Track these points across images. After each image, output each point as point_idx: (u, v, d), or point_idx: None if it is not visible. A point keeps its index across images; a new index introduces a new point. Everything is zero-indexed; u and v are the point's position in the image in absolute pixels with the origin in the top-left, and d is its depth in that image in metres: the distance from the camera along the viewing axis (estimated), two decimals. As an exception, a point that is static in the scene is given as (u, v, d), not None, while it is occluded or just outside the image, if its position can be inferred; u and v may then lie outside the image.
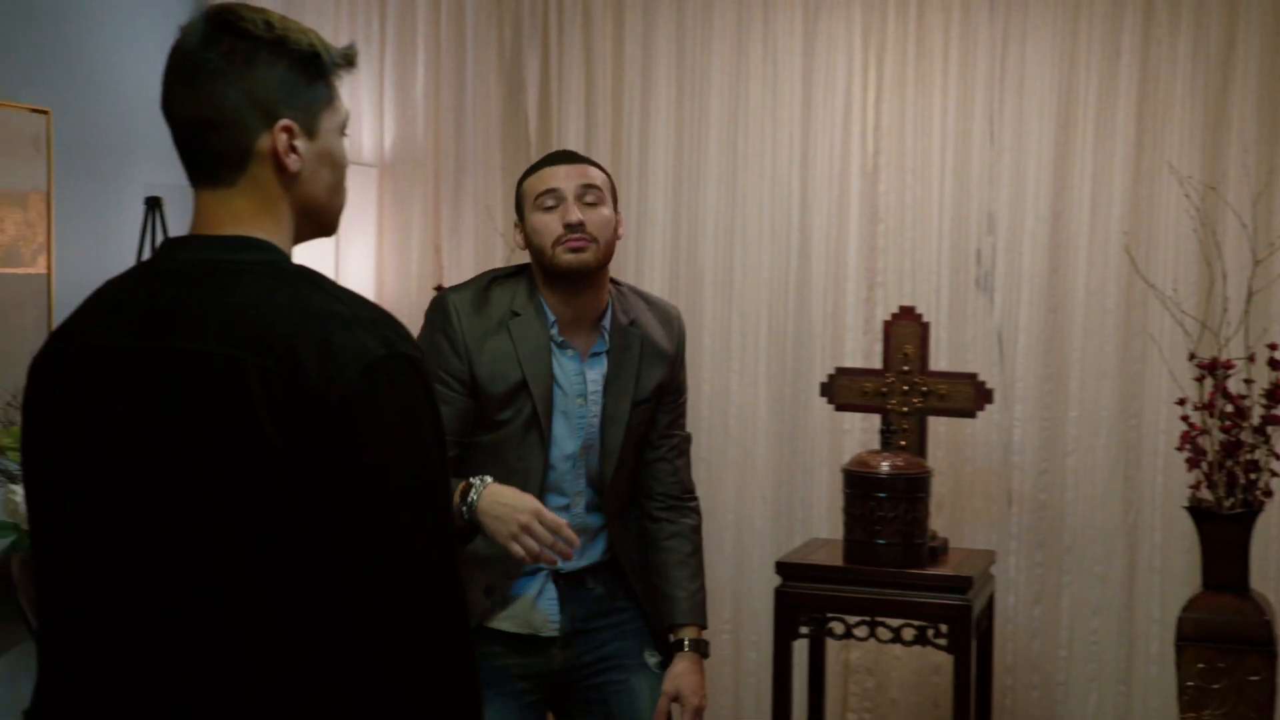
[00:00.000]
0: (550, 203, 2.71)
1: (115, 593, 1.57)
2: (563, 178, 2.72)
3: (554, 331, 2.74)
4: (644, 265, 4.38)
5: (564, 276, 2.70)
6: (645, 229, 4.39)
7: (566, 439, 2.76)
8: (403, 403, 1.57)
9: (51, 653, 1.63)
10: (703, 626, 2.86)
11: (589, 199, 2.71)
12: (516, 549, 2.52)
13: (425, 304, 2.82)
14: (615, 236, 2.76)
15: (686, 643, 2.82)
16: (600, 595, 2.83)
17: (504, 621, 2.77)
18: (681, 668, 2.80)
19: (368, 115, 4.38)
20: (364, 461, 1.54)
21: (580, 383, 2.76)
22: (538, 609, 2.78)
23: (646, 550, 2.89)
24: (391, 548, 1.55)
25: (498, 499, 2.56)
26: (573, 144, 4.42)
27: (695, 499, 2.94)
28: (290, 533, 1.53)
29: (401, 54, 4.40)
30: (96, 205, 3.57)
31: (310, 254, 3.87)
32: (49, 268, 3.45)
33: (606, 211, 2.73)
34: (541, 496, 2.69)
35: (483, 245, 4.41)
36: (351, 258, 4.04)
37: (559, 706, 2.87)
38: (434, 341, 2.73)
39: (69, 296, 3.32)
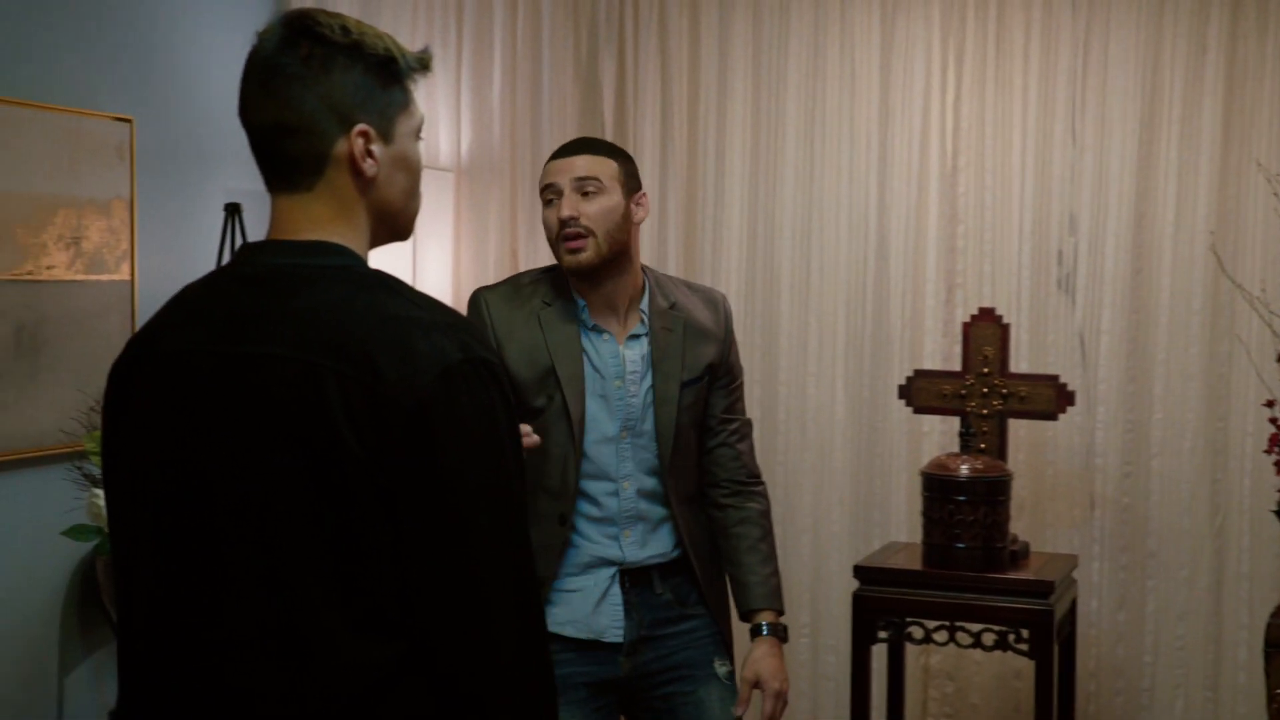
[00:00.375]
0: (550, 197, 2.73)
1: (193, 597, 1.57)
2: (557, 172, 2.73)
3: (585, 316, 2.76)
4: (720, 268, 4.37)
5: (573, 274, 2.73)
6: (722, 232, 4.37)
7: (605, 421, 2.74)
8: (479, 407, 1.56)
9: (131, 657, 1.65)
10: (779, 611, 2.82)
11: (587, 189, 2.70)
12: None
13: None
14: (626, 224, 2.72)
15: (764, 627, 2.79)
16: (668, 601, 2.80)
17: (566, 626, 2.74)
18: (760, 652, 2.77)
19: (444, 120, 4.40)
20: (440, 466, 1.53)
21: (618, 364, 2.75)
22: (601, 613, 2.75)
23: (717, 539, 2.87)
24: (467, 553, 1.55)
25: None
26: (648, 147, 4.42)
27: (761, 483, 2.90)
28: (368, 538, 1.53)
29: (478, 58, 4.42)
30: (178, 212, 3.62)
31: (387, 258, 3.91)
32: (132, 274, 3.50)
33: (607, 201, 2.70)
34: (579, 480, 2.71)
35: (559, 249, 4.41)
36: (428, 262, 4.06)
37: (629, 714, 2.85)
38: None
39: (152, 303, 3.36)
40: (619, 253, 2.72)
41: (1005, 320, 3.53)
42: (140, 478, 1.62)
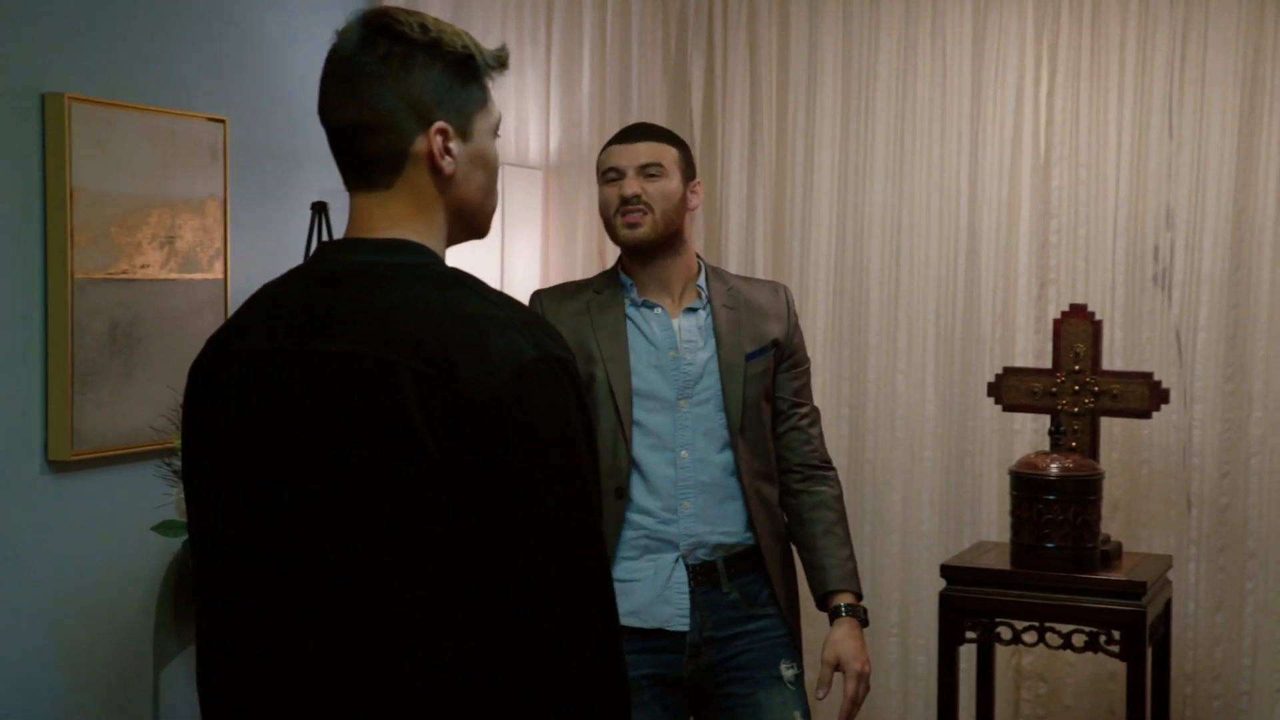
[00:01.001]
0: (613, 177, 2.83)
1: (267, 594, 1.59)
2: (620, 156, 2.83)
3: (633, 294, 2.83)
4: (809, 265, 4.35)
5: (627, 249, 2.82)
6: (810, 228, 4.35)
7: (662, 390, 2.78)
8: (553, 406, 1.56)
9: (208, 654, 1.67)
10: (858, 594, 2.81)
11: (650, 172, 2.80)
12: None
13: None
14: (682, 207, 2.82)
15: (843, 608, 2.77)
16: (735, 601, 2.78)
17: (629, 617, 2.70)
18: (840, 633, 2.76)
19: (534, 118, 4.42)
20: (514, 465, 1.53)
21: (670, 335, 2.81)
22: (664, 600, 2.74)
23: (790, 526, 2.86)
24: (540, 552, 1.54)
25: None
26: (736, 143, 4.40)
27: (833, 469, 2.92)
28: (441, 537, 1.53)
29: (567, 56, 4.43)
30: (270, 211, 3.66)
31: (477, 257, 3.94)
32: (225, 273, 3.55)
33: (668, 184, 2.80)
34: (631, 452, 2.74)
35: (647, 246, 4.41)
36: (517, 260, 4.08)
37: (698, 714, 2.84)
38: None
39: (244, 301, 3.41)
40: (673, 234, 2.81)
41: (1098, 317, 3.48)
42: (218, 475, 1.64)
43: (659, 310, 2.83)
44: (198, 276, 3.49)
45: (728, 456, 2.79)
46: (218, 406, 1.65)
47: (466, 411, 1.52)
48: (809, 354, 2.98)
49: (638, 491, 2.77)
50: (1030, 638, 3.26)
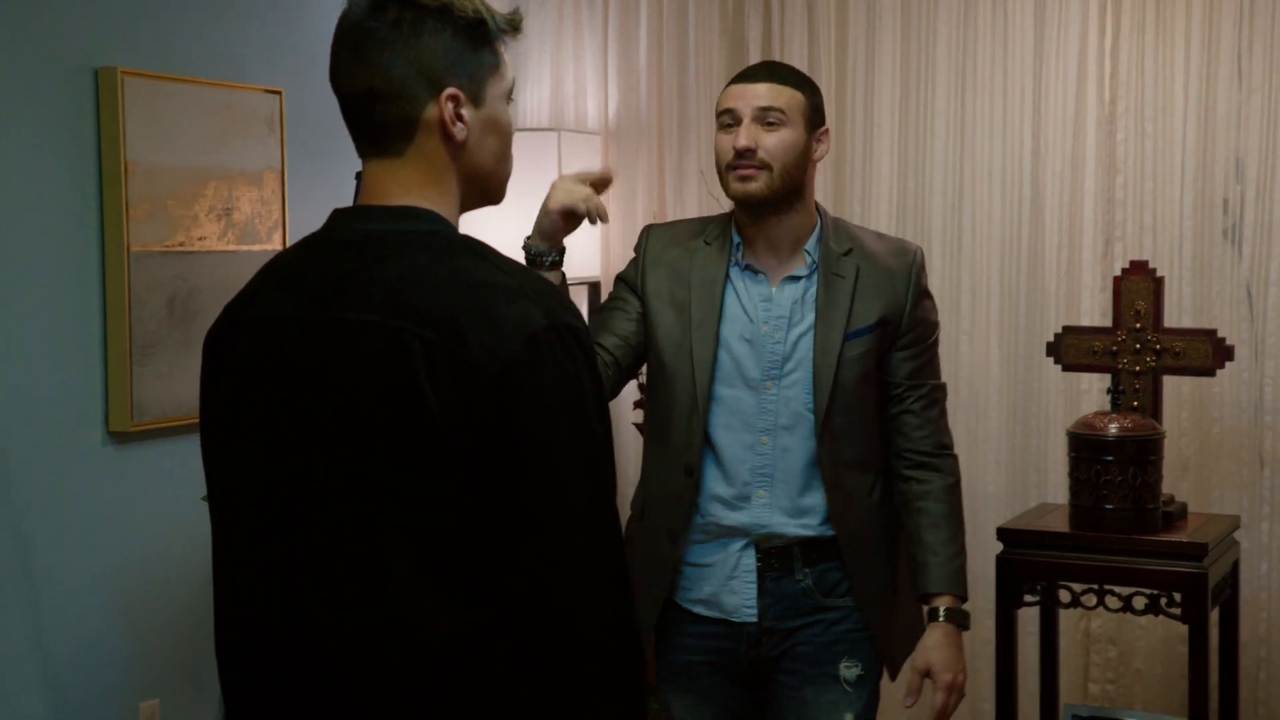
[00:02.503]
0: (728, 121, 2.58)
1: (280, 563, 1.60)
2: (737, 97, 2.57)
3: (738, 255, 2.61)
4: (869, 222, 4.29)
5: (739, 204, 2.60)
6: (871, 188, 4.30)
7: (749, 366, 2.59)
8: (564, 374, 1.55)
9: (224, 618, 1.69)
10: (960, 596, 2.64)
11: (769, 119, 2.54)
12: (580, 209, 2.46)
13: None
14: (805, 160, 2.57)
15: (940, 612, 2.61)
16: (807, 589, 2.62)
17: (696, 605, 2.64)
18: (933, 640, 2.59)
19: (592, 83, 4.41)
20: (523, 432, 1.52)
21: (768, 306, 2.60)
22: (731, 589, 2.62)
23: (900, 515, 2.68)
24: (550, 520, 1.54)
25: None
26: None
27: (951, 455, 2.70)
28: (451, 505, 1.53)
29: (624, 20, 4.41)
30: (327, 181, 3.69)
31: (533, 223, 3.91)
32: (284, 244, 3.58)
33: (788, 135, 2.54)
34: (708, 429, 2.59)
35: (706, 209, 4.39)
36: (576, 225, 4.06)
37: (757, 702, 2.71)
38: (628, 265, 2.74)
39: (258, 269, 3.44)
40: (792, 190, 2.57)
41: (1160, 273, 3.40)
42: (232, 442, 1.66)
43: (761, 277, 2.61)
44: (256, 248, 3.53)
45: (812, 445, 2.58)
46: (231, 374, 1.67)
47: (475, 379, 1.52)
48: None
49: (710, 474, 2.60)
50: (1090, 600, 3.21)
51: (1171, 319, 3.74)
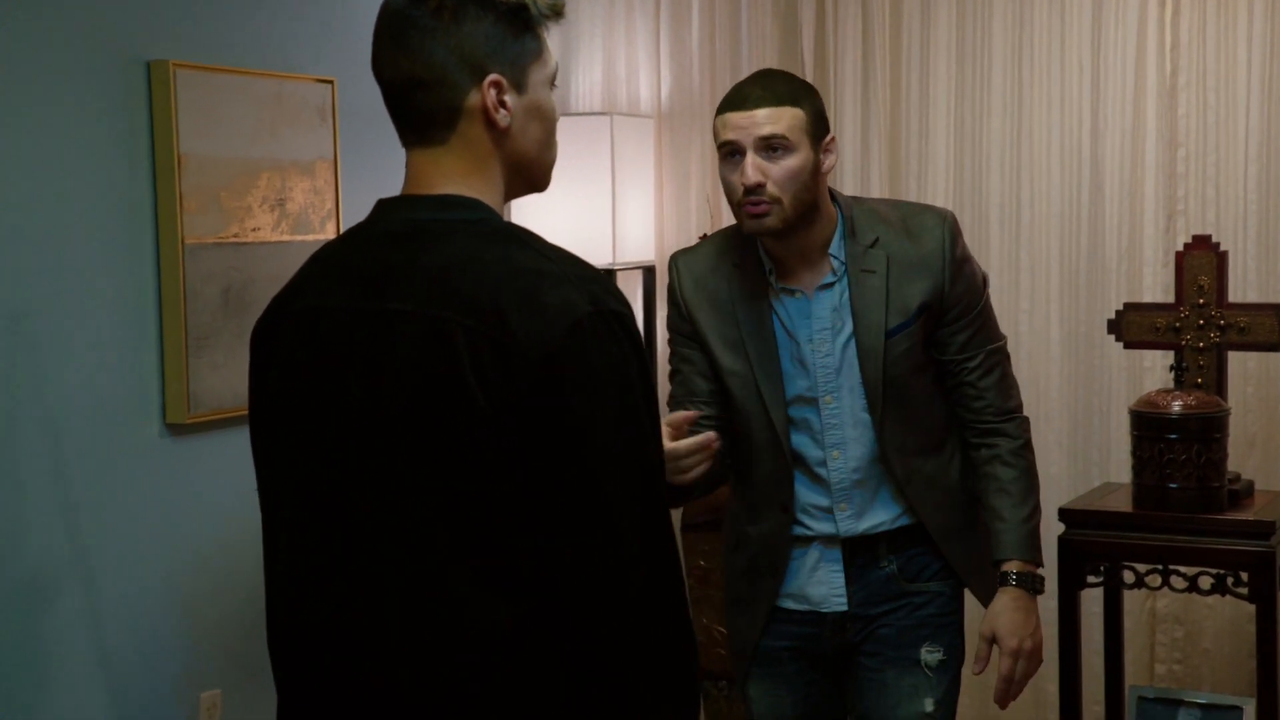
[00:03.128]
0: (730, 152, 2.48)
1: (328, 554, 1.60)
2: (736, 128, 2.46)
3: (772, 280, 2.55)
4: (926, 202, 4.26)
5: (756, 236, 2.53)
6: (928, 166, 4.25)
7: (804, 387, 2.56)
8: (609, 360, 1.54)
9: (274, 610, 1.69)
10: (1031, 561, 2.57)
11: (772, 145, 2.44)
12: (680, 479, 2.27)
13: (684, 291, 2.67)
14: (815, 179, 2.47)
15: (1010, 576, 2.54)
16: (892, 575, 2.60)
17: (784, 599, 2.62)
18: (1000, 604, 2.54)
19: (644, 66, 4.38)
20: (569, 420, 1.51)
21: (808, 323, 2.54)
22: (818, 580, 2.60)
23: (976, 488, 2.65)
24: (598, 508, 1.53)
25: None
26: (849, 87, 4.32)
27: (1016, 417, 2.62)
28: (497, 495, 1.52)
29: (676, 3, 4.38)
30: (380, 170, 3.68)
31: (592, 206, 3.93)
32: (337, 233, 3.58)
33: (793, 161, 2.44)
34: (791, 460, 2.57)
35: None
36: (629, 208, 4.05)
37: (838, 684, 2.69)
38: (669, 306, 2.68)
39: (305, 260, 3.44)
40: (809, 210, 2.49)
41: (1223, 247, 3.34)
42: (280, 434, 1.66)
43: (798, 294, 2.55)
44: (310, 238, 3.53)
45: (873, 445, 2.56)
46: (279, 365, 1.67)
47: (520, 367, 1.51)
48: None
49: (799, 494, 2.59)
50: (1154, 581, 3.17)
51: (1236, 294, 3.68)
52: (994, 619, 2.55)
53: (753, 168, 2.43)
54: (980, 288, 2.62)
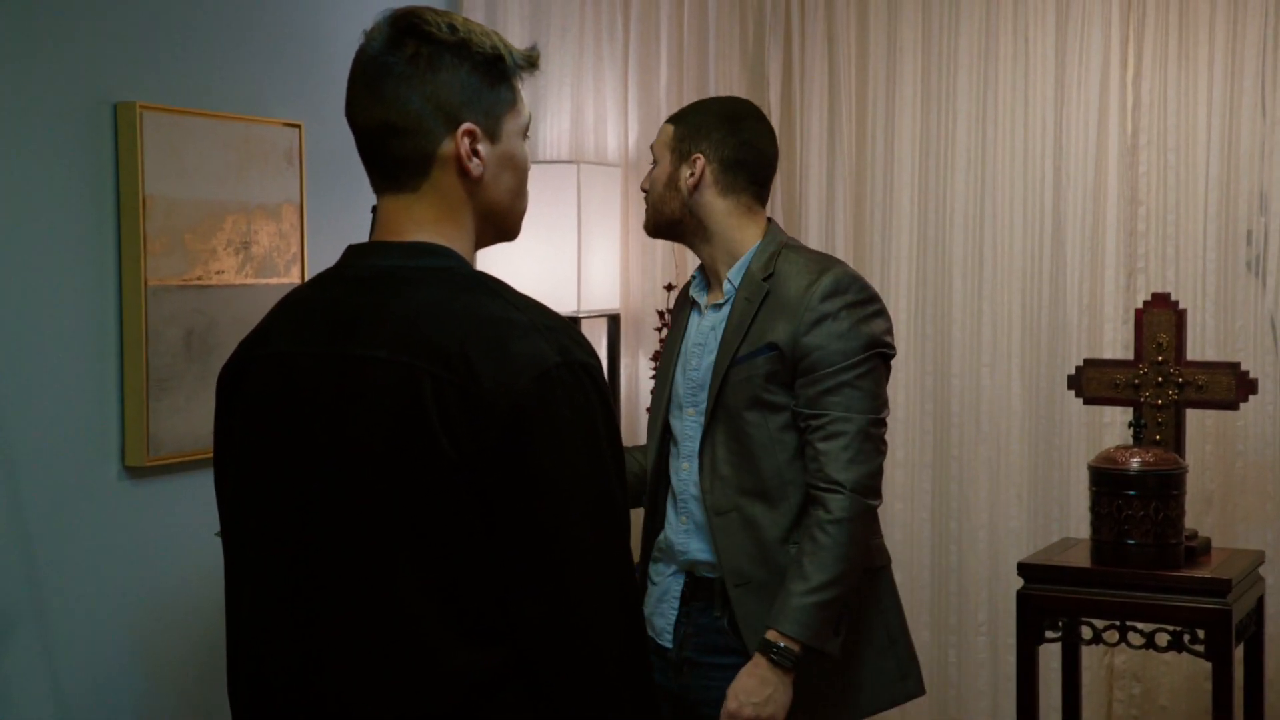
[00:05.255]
0: None
1: (295, 602, 1.59)
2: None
3: (693, 293, 2.75)
4: (890, 256, 4.28)
5: None
6: (891, 219, 4.28)
7: (681, 395, 2.70)
8: (576, 411, 1.54)
9: (236, 657, 1.67)
10: (791, 636, 2.45)
11: (652, 160, 2.75)
12: None
13: (670, 302, 2.92)
14: (670, 190, 2.68)
15: (765, 643, 2.47)
16: (723, 629, 2.57)
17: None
18: (743, 669, 2.48)
19: (612, 114, 4.40)
20: (536, 471, 1.51)
21: (692, 337, 2.72)
22: (659, 612, 2.66)
23: None
24: (564, 559, 1.52)
25: None
26: (815, 136, 4.35)
27: (838, 489, 2.48)
28: (465, 544, 1.51)
29: (644, 51, 4.41)
30: (346, 215, 3.68)
31: (556, 253, 3.93)
32: (302, 277, 3.58)
33: (656, 171, 2.72)
34: (658, 457, 2.70)
35: (726, 241, 4.38)
36: (595, 257, 4.07)
37: None
38: None
39: (273, 305, 3.43)
40: (673, 222, 2.70)
41: (1182, 305, 3.38)
42: (245, 479, 1.65)
43: (707, 305, 2.70)
44: (275, 281, 3.52)
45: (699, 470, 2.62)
46: (245, 411, 1.66)
47: (486, 416, 1.50)
48: (864, 350, 2.55)
49: (669, 500, 2.70)
50: (1112, 637, 3.18)
51: (1194, 352, 3.72)
52: (734, 681, 2.49)
53: (647, 174, 2.75)
54: (852, 350, 2.53)
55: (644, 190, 2.74)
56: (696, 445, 2.62)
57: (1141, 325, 3.33)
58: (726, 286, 2.63)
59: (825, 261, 2.63)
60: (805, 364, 2.53)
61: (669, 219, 2.69)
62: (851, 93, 4.32)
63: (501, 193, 1.69)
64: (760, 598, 2.53)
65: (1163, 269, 3.97)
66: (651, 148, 2.75)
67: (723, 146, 2.64)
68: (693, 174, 2.64)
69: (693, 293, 2.74)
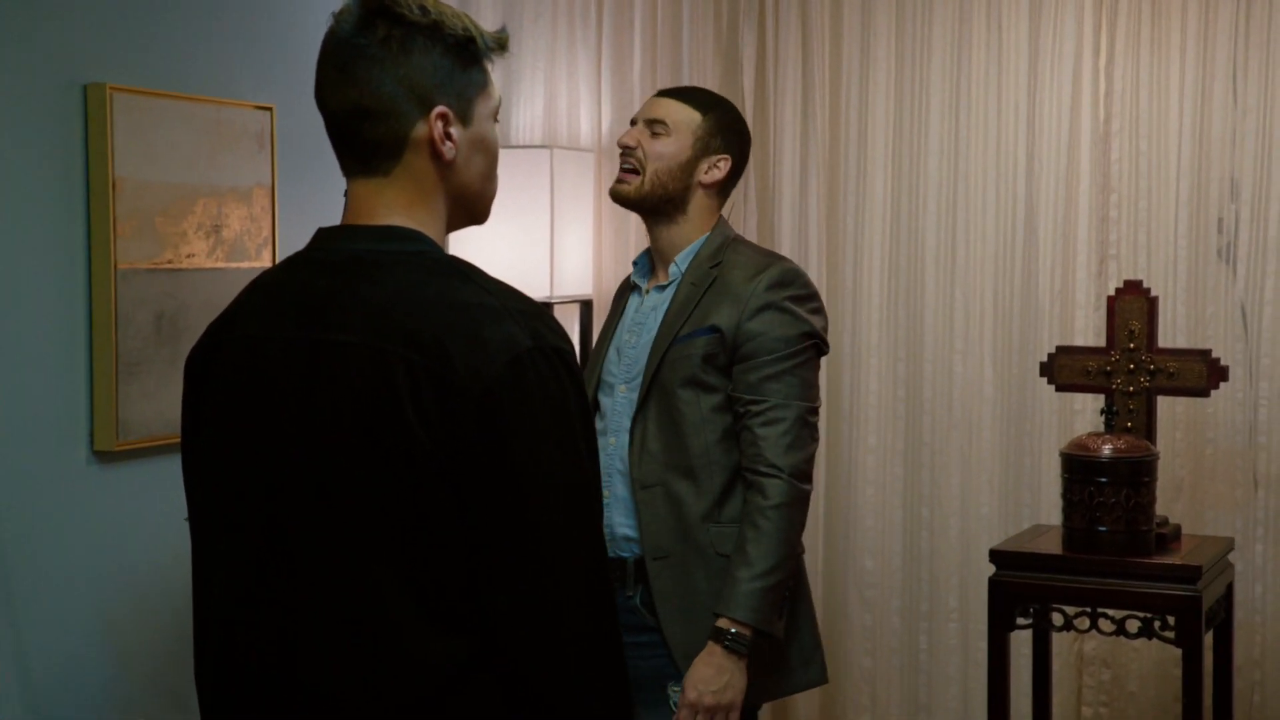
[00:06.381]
0: (631, 124, 2.75)
1: (265, 587, 1.58)
2: (642, 108, 2.74)
3: (634, 277, 2.76)
4: (863, 243, 4.28)
5: (615, 201, 2.74)
6: (865, 206, 4.29)
7: (613, 372, 2.71)
8: (549, 396, 1.53)
9: (204, 644, 1.66)
10: (743, 621, 2.49)
11: (656, 130, 2.66)
12: None
13: None
14: (683, 174, 2.66)
15: (716, 631, 2.50)
16: (635, 607, 2.60)
17: None
18: (699, 657, 2.51)
19: (585, 100, 4.39)
20: (509, 456, 1.51)
21: (633, 316, 2.72)
22: None
23: None
24: (537, 545, 1.52)
25: None
26: (789, 123, 4.34)
27: (777, 474, 2.52)
28: (438, 530, 1.51)
29: (618, 37, 4.39)
30: (317, 198, 3.66)
31: (529, 239, 3.92)
32: (273, 261, 3.55)
33: (669, 145, 2.65)
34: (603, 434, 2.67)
35: (700, 227, 4.37)
36: (568, 242, 4.05)
37: None
38: None
39: (242, 288, 3.41)
40: (665, 200, 2.67)
41: (1154, 293, 3.39)
42: (214, 464, 1.64)
43: (645, 291, 2.75)
44: (245, 265, 3.50)
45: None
46: (213, 395, 1.65)
47: (459, 401, 1.50)
48: (806, 338, 2.63)
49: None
50: (1083, 623, 3.19)
51: (1166, 339, 3.73)
52: (690, 670, 2.51)
53: (633, 134, 2.68)
54: (792, 338, 2.59)
55: (626, 146, 2.67)
56: (627, 421, 2.65)
57: (1113, 312, 3.34)
58: (673, 269, 2.69)
59: (772, 257, 2.74)
60: (746, 349, 2.59)
61: (662, 196, 2.67)
62: (825, 79, 4.32)
63: (473, 176, 1.68)
64: (676, 574, 2.58)
65: (1134, 256, 3.99)
66: (661, 119, 2.67)
67: (743, 157, 2.75)
68: (711, 171, 2.68)
69: (634, 277, 2.77)
